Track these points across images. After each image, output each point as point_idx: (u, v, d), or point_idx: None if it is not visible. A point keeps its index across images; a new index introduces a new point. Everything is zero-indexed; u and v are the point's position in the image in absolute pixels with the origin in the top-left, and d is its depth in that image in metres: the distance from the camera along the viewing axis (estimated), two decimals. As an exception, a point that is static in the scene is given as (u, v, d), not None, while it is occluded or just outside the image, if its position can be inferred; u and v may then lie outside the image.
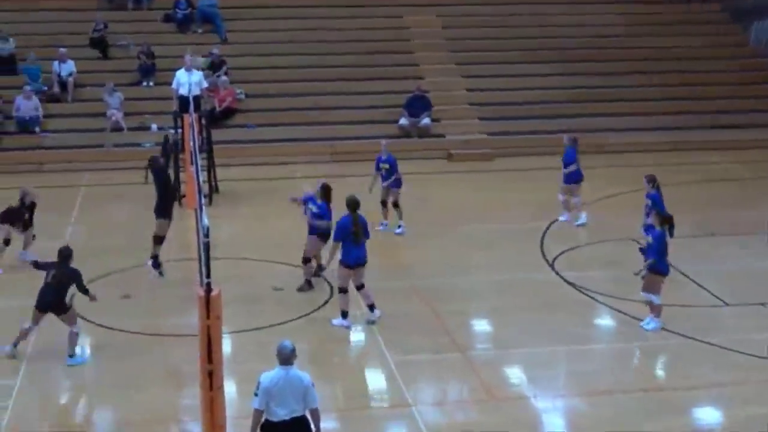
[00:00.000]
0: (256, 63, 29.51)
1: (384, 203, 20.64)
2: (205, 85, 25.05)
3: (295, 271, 17.80)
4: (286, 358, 10.54)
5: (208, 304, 10.48)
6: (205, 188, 21.05)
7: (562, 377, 14.37)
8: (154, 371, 14.32)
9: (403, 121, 27.85)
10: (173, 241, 19.85)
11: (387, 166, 20.67)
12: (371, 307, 15.91)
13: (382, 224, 20.46)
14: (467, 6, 32.09)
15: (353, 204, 15.65)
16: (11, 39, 28.50)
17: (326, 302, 16.81)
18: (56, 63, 27.81)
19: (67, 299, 14.49)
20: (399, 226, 20.54)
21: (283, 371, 10.52)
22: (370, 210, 18.00)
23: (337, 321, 15.79)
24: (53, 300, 14.38)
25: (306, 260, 17.25)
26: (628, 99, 29.72)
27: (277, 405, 10.48)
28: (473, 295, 17.45)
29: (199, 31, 30.43)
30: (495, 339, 15.98)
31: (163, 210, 17.79)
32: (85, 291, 14.63)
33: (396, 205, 20.61)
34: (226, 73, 28.01)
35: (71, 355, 14.45)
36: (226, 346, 13.78)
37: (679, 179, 23.90)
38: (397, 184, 20.64)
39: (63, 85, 27.76)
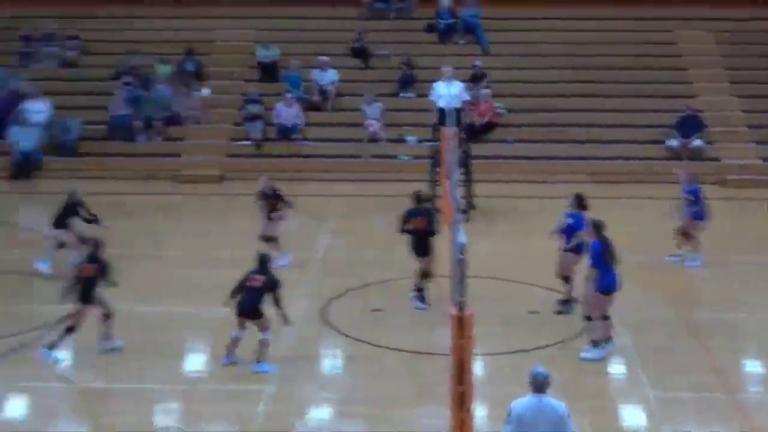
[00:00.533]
0: (518, 77, 28.82)
1: (685, 234, 19.33)
2: (466, 97, 24.56)
3: (553, 294, 17.09)
4: (540, 385, 10.08)
5: (461, 323, 10.28)
6: (462, 204, 20.49)
7: None
8: (402, 388, 14.05)
9: (672, 141, 26.51)
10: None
11: (691, 197, 19.35)
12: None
13: (675, 255, 19.30)
14: (742, 22, 30.27)
15: (599, 227, 14.80)
16: (274, 47, 28.84)
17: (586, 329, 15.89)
18: (317, 71, 27.99)
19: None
20: (693, 259, 19.28)
21: (535, 399, 10.06)
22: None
23: (590, 353, 14.83)
24: (251, 305, 14.19)
25: (565, 278, 16.53)
26: None
27: None
28: (748, 332, 16.36)
29: (461, 42, 30.00)
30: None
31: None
32: (278, 303, 14.35)
33: (688, 235, 19.25)
34: (487, 87, 27.38)
35: (260, 361, 14.20)
36: (478, 367, 13.52)
37: None
38: (699, 215, 19.25)
39: (323, 93, 27.91)
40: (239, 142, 27.04)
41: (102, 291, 14.79)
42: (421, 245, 16.79)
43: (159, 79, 28.11)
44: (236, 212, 22.03)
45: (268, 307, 14.25)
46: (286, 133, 26.87)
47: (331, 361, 15.43)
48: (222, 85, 28.90)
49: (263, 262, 14.45)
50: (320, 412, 13.65)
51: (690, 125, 26.52)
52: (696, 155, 26.44)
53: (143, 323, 15.94)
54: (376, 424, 13.05)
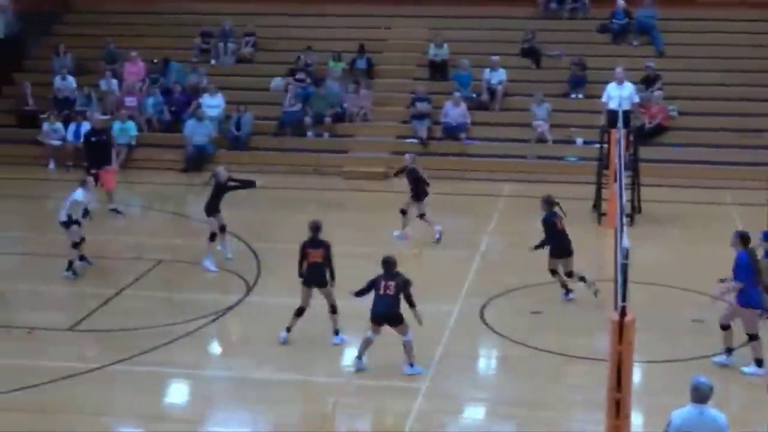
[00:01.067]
0: (692, 79, 28.08)
1: None
2: (637, 99, 24.06)
3: (722, 304, 16.48)
4: (702, 396, 9.72)
5: (621, 329, 10.22)
6: (628, 208, 20.13)
7: None
8: (558, 391, 13.88)
9: None
10: (590, 260, 19.27)
11: None
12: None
13: None
14: None
15: (744, 239, 14.29)
16: (446, 45, 28.91)
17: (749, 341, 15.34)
18: (487, 71, 27.91)
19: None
20: None
21: (696, 410, 9.70)
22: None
23: (749, 369, 14.40)
24: (389, 311, 14.01)
25: None
26: None
27: None
28: None
29: (635, 43, 29.42)
30: None
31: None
32: (411, 303, 14.06)
33: None
34: (660, 89, 26.78)
35: (411, 364, 14.08)
36: (636, 375, 13.07)
37: None
38: None
39: (492, 93, 27.79)
40: (406, 140, 27.18)
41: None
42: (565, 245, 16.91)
43: (331, 75, 28.52)
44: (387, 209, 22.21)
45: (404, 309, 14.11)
46: (452, 132, 26.88)
47: (486, 361, 15.42)
48: (392, 82, 29.13)
49: (389, 265, 14.26)
50: (472, 412, 13.62)
51: None
52: None
53: (304, 316, 16.15)
54: (526, 426, 12.95)
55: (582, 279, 16.93)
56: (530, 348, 15.13)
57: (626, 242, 11.13)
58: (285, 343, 15.08)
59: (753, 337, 14.42)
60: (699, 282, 17.56)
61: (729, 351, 14.64)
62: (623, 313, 10.29)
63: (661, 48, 29.03)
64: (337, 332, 15.21)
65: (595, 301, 16.82)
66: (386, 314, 13.99)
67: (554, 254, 16.90)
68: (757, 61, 28.33)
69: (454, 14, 30.64)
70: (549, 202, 17.13)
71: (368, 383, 13.89)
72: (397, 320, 14.00)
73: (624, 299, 10.39)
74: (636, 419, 12.09)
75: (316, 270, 15.04)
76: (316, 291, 15.14)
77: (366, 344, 14.17)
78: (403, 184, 20.98)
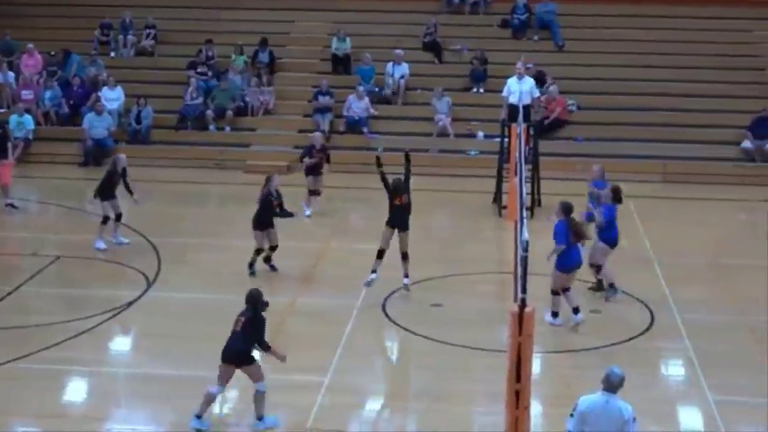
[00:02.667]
0: (591, 74, 28.52)
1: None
2: (537, 94, 24.37)
3: (618, 294, 16.98)
4: (613, 385, 9.92)
5: (521, 321, 10.32)
6: (528, 201, 20.37)
7: None
8: (461, 383, 13.93)
9: (746, 143, 26.01)
10: (491, 253, 19.50)
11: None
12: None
13: None
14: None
15: (566, 209, 15.69)
16: (348, 39, 28.92)
17: (647, 330, 15.86)
18: (390, 65, 27.99)
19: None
20: None
21: (603, 398, 9.90)
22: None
23: (548, 318, 15.79)
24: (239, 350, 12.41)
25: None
26: None
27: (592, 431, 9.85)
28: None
29: (535, 38, 29.77)
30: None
31: None
32: (265, 348, 12.53)
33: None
34: (552, 83, 27.10)
35: (260, 418, 12.53)
36: (536, 366, 13.32)
37: None
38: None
39: (394, 87, 27.86)
40: (308, 134, 27.06)
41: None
42: None
43: (233, 69, 28.33)
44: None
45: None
46: (354, 125, 26.93)
47: (388, 354, 15.48)
48: (294, 76, 29.05)
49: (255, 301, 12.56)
50: (375, 405, 13.65)
51: (764, 127, 25.96)
52: (770, 157, 26.00)
53: (206, 311, 16.06)
54: (429, 419, 12.99)
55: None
56: (432, 341, 15.20)
57: (526, 235, 11.26)
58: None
59: (554, 293, 15.77)
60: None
61: (555, 315, 15.81)
62: (523, 305, 10.41)
63: (561, 43, 29.43)
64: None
65: (495, 293, 17.01)
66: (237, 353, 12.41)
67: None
68: (655, 57, 28.85)
69: (357, 8, 30.67)
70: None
71: (270, 377, 13.83)
72: (247, 361, 12.47)
73: (524, 291, 10.52)
74: (535, 409, 12.24)
75: None
76: None
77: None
78: (304, 178, 20.99)
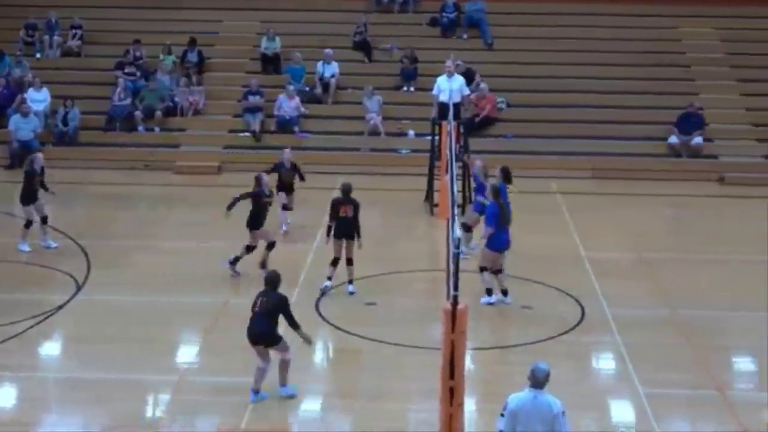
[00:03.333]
0: (520, 71, 28.71)
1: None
2: (467, 92, 24.47)
3: (549, 290, 17.20)
4: (539, 381, 9.96)
5: (453, 318, 10.33)
6: (459, 198, 20.46)
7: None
8: (395, 381, 13.97)
9: (673, 139, 26.38)
10: (423, 250, 19.54)
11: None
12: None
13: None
14: (748, 19, 30.01)
15: (495, 193, 16.59)
16: (278, 38, 28.82)
17: (577, 325, 15.99)
18: (320, 64, 27.94)
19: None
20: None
21: (531, 395, 9.95)
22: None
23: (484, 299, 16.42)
24: (263, 331, 13.07)
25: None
26: None
27: (523, 429, 9.90)
28: (739, 330, 16.25)
29: (464, 36, 29.89)
30: (759, 380, 14.63)
31: None
32: (294, 324, 13.17)
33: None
34: (479, 82, 27.24)
35: (283, 384, 13.35)
36: (469, 362, 13.43)
37: None
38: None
39: (325, 86, 27.85)
40: (239, 134, 27.02)
41: None
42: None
43: (161, 69, 28.09)
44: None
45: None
46: (285, 125, 26.84)
47: (322, 353, 15.43)
48: (224, 76, 28.87)
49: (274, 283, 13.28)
50: (309, 404, 13.59)
51: (690, 122, 26.38)
52: (695, 152, 26.32)
53: (137, 314, 15.92)
54: (364, 417, 12.99)
55: None
56: (366, 339, 15.22)
57: (458, 232, 11.30)
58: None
59: (482, 269, 16.45)
60: (529, 269, 18.04)
61: (489, 292, 16.45)
62: (455, 302, 10.43)
63: (490, 41, 29.59)
64: None
65: (428, 291, 17.08)
66: (261, 334, 13.07)
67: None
68: (583, 54, 29.12)
69: (286, 7, 30.55)
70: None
71: (202, 380, 13.78)
72: (273, 340, 13.14)
73: (456, 288, 10.53)
74: (469, 405, 12.30)
75: None
76: None
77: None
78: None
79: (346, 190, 17.27)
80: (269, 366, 13.13)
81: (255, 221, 17.86)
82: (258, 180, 18.08)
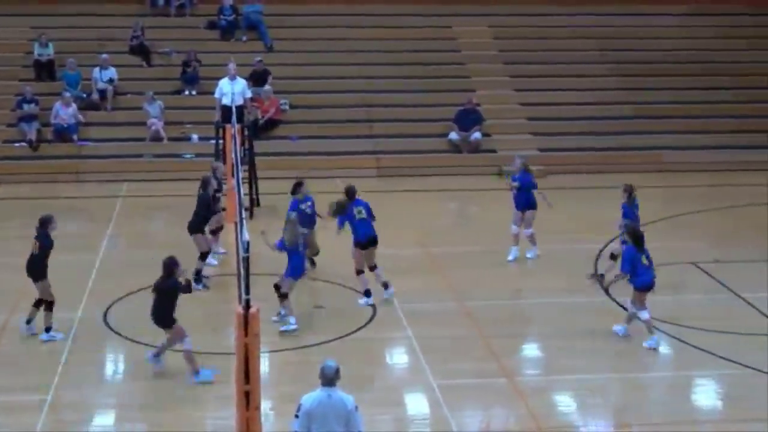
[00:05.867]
0: (301, 73, 28.83)
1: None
2: (249, 94, 24.38)
3: (338, 289, 17.37)
4: (330, 379, 10.03)
5: (246, 321, 10.29)
6: (246, 201, 20.37)
7: (613, 407, 13.77)
8: (190, 389, 13.78)
9: (452, 135, 27.04)
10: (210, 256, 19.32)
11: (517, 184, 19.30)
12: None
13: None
14: (520, 17, 31.09)
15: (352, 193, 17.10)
16: (51, 44, 27.96)
17: (369, 322, 16.23)
18: (97, 70, 27.28)
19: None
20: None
21: (325, 393, 10.01)
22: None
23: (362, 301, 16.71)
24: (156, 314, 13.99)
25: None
26: (687, 116, 28.61)
27: (319, 428, 9.95)
28: (522, 319, 16.93)
29: (244, 38, 29.78)
30: (544, 365, 15.29)
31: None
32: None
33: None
34: (269, 83, 27.27)
35: (196, 372, 13.89)
36: (264, 365, 13.36)
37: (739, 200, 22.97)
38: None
39: (102, 92, 27.21)
40: (14, 144, 26.09)
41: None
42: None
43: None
44: (13, 217, 21.29)
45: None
46: (63, 133, 26.06)
47: (112, 366, 15.07)
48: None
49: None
50: (101, 419, 13.28)
51: (468, 119, 27.12)
52: (474, 147, 27.07)
53: None
54: (162, 427, 12.79)
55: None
56: (156, 348, 14.92)
57: (246, 235, 11.22)
58: None
59: (358, 272, 16.80)
60: (318, 269, 18.15)
61: (367, 294, 16.80)
62: (248, 305, 10.39)
63: (269, 43, 29.58)
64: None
65: (219, 296, 16.95)
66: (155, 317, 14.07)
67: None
68: (363, 54, 29.46)
69: (57, 12, 29.71)
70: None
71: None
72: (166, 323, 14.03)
73: (247, 292, 10.48)
74: (266, 409, 12.26)
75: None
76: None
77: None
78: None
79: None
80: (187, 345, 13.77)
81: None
82: (205, 182, 17.97)
